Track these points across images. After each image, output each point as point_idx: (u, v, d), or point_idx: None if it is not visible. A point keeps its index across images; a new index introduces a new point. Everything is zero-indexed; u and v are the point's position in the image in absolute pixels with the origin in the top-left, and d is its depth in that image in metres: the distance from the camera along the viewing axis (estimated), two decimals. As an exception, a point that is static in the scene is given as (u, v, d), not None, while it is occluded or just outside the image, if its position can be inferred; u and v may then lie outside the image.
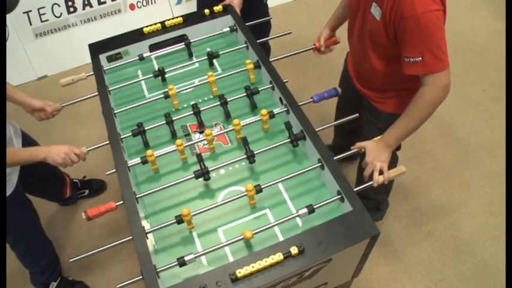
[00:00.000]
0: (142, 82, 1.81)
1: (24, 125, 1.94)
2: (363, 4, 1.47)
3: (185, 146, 1.50)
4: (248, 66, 1.69)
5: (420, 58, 1.31)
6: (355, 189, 1.30)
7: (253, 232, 1.23)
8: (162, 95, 1.65)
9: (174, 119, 1.58)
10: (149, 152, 1.44)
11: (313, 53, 1.90)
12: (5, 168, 1.46)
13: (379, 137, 1.51)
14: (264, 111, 1.51)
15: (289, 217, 1.27)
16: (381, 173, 1.43)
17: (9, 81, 1.74)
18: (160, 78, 1.78)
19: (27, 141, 1.90)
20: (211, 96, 1.73)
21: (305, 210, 1.27)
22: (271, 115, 1.53)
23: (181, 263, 1.18)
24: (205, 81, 1.70)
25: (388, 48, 1.44)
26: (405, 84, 1.56)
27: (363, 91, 1.72)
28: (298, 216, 1.27)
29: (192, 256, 1.19)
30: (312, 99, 1.63)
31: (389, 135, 1.48)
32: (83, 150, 1.57)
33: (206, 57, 1.81)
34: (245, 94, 1.64)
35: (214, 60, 1.86)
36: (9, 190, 1.70)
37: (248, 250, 1.27)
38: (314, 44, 1.87)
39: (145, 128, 1.56)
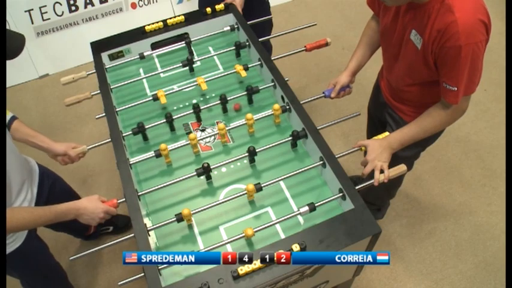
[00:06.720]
0: (144, 80, 1.82)
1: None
2: (400, 29, 1.42)
3: (185, 145, 1.51)
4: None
5: (455, 88, 1.31)
6: (356, 188, 1.30)
7: (255, 230, 1.23)
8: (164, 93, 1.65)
9: (176, 117, 1.58)
10: (163, 145, 1.45)
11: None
12: (5, 164, 1.33)
13: (381, 137, 1.51)
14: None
15: (290, 215, 1.27)
16: (381, 172, 1.43)
17: (26, 124, 1.60)
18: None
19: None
20: (213, 95, 1.73)
21: (306, 208, 1.27)
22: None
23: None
24: (207, 80, 1.71)
25: (425, 75, 1.43)
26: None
27: (395, 104, 1.67)
28: (300, 214, 1.28)
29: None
30: (323, 94, 1.67)
31: (395, 140, 1.47)
32: (83, 148, 1.59)
33: (234, 48, 1.83)
34: (246, 93, 1.65)
35: (216, 58, 1.87)
36: (18, 241, 1.49)
37: (250, 248, 1.27)
38: (305, 46, 1.81)
39: (147, 126, 1.56)
